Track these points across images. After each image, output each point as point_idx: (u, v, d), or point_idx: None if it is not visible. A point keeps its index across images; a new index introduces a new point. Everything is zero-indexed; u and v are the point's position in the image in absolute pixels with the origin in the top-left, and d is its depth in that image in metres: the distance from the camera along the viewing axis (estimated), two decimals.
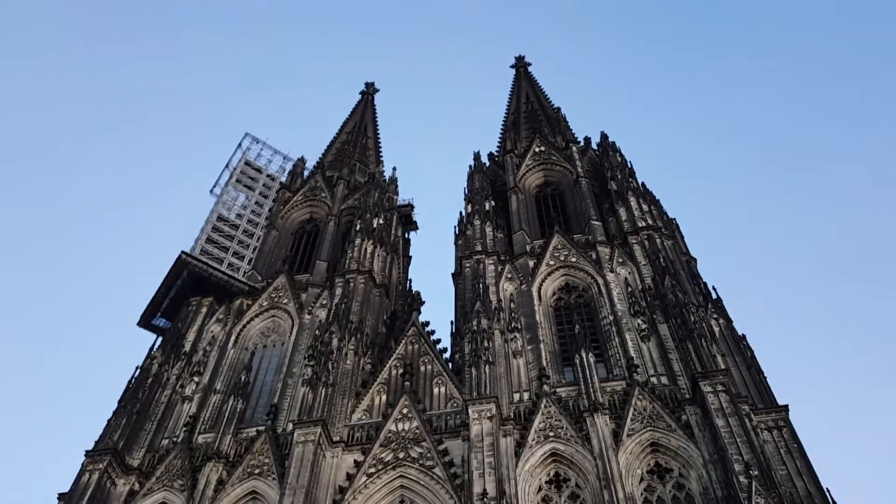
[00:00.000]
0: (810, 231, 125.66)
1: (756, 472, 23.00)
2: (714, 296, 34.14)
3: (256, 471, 29.02)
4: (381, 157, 59.05)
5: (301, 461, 27.67)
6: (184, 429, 32.14)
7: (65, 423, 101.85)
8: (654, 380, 29.60)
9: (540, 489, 26.60)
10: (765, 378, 29.08)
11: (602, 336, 33.12)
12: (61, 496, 29.04)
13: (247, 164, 50.85)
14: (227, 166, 50.49)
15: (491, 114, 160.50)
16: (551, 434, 27.79)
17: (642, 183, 42.68)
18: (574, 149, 47.91)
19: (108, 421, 31.79)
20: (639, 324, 32.48)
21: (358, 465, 28.53)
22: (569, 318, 34.77)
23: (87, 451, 30.13)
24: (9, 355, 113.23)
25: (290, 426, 30.00)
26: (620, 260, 36.47)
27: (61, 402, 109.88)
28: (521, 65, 66.31)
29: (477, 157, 49.15)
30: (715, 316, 32.34)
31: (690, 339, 29.19)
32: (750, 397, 27.66)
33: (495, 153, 52.81)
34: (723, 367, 27.95)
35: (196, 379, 35.33)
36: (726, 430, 24.89)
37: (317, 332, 35.68)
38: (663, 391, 28.86)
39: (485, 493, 24.81)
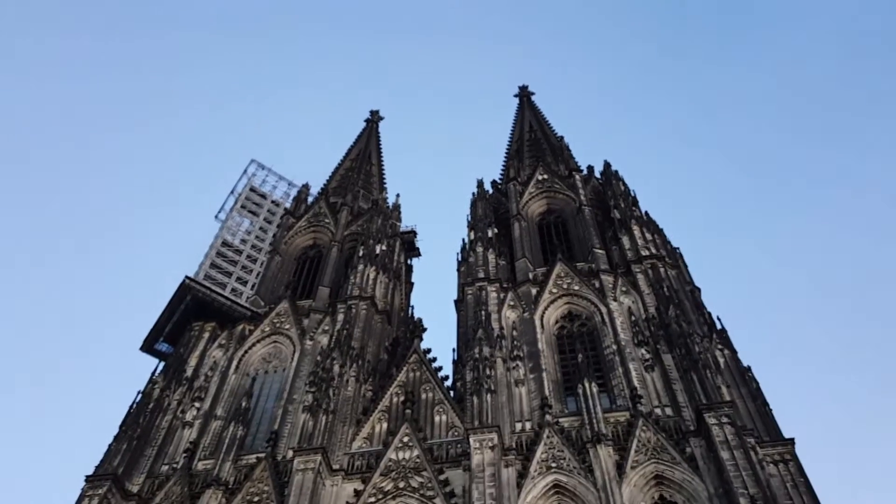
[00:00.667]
0: (818, 260, 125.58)
1: None
2: (719, 326, 33.94)
3: (256, 499, 28.73)
4: (385, 183, 59.43)
5: (301, 489, 27.41)
6: (184, 455, 31.86)
7: (65, 447, 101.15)
8: (658, 411, 29.36)
9: None
10: (770, 410, 28.77)
11: (605, 365, 32.89)
12: None
13: (252, 190, 51.19)
14: (232, 192, 50.84)
15: (494, 142, 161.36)
16: (553, 465, 27.49)
17: (646, 212, 42.78)
18: (577, 177, 48.15)
19: (109, 446, 31.65)
20: (642, 353, 32.29)
21: (358, 494, 28.22)
22: (571, 346, 34.55)
23: (87, 477, 29.92)
24: (11, 378, 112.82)
25: (290, 453, 29.74)
26: (624, 289, 36.41)
27: (62, 426, 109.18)
28: (524, 94, 66.99)
29: (480, 184, 49.38)
30: (720, 346, 32.10)
31: (695, 370, 29.02)
32: (755, 430, 27.34)
33: (498, 181, 53.12)
34: (728, 398, 27.76)
35: (197, 405, 35.11)
36: (731, 464, 24.63)
37: (318, 358, 35.52)
38: (667, 423, 28.59)
39: None
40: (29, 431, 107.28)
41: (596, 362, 33.22)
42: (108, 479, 29.55)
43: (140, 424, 32.79)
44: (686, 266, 40.20)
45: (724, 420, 26.27)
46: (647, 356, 32.04)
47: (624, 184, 46.00)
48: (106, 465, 30.54)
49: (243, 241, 46.50)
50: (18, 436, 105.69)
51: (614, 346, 33.36)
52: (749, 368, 31.15)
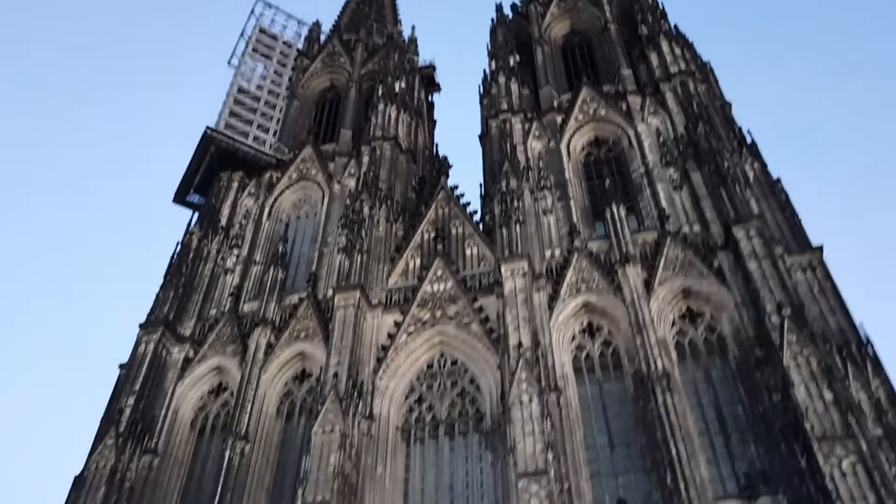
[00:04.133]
0: (848, 68, 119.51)
1: (788, 311, 23.11)
2: (749, 140, 33.16)
3: (302, 334, 30.40)
4: (399, 15, 56.73)
5: (344, 323, 28.81)
6: (229, 298, 33.50)
7: (112, 301, 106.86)
8: (686, 228, 29.44)
9: (574, 338, 27.45)
10: (799, 220, 28.62)
11: (633, 188, 32.73)
12: (122, 366, 30.81)
13: (261, 31, 49.36)
14: (241, 35, 49.14)
15: None
16: (583, 287, 28.24)
17: (675, 25, 40.41)
18: None
19: (157, 295, 33.16)
20: (671, 174, 31.92)
21: (398, 325, 29.63)
22: (599, 172, 34.29)
23: (140, 324, 31.70)
24: (55, 241, 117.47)
25: (331, 292, 30.95)
26: (652, 109, 35.31)
27: (111, 280, 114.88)
28: None
29: (499, 8, 46.83)
30: (749, 161, 31.53)
31: (724, 186, 28.68)
32: (784, 240, 27.41)
33: (518, 3, 50.16)
34: (756, 211, 27.59)
35: (235, 251, 36.30)
36: (758, 272, 24.90)
37: (347, 201, 35.89)
38: (695, 239, 28.75)
39: (520, 344, 25.64)
40: (74, 287, 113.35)
41: (624, 186, 33.06)
42: (161, 324, 31.33)
43: (183, 273, 34.13)
44: (716, 80, 38.63)
45: (752, 232, 26.24)
46: (675, 176, 31.67)
47: None
48: (157, 313, 32.22)
49: (259, 87, 45.59)
50: (64, 293, 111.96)
51: (642, 169, 32.99)
52: (779, 180, 30.72)
